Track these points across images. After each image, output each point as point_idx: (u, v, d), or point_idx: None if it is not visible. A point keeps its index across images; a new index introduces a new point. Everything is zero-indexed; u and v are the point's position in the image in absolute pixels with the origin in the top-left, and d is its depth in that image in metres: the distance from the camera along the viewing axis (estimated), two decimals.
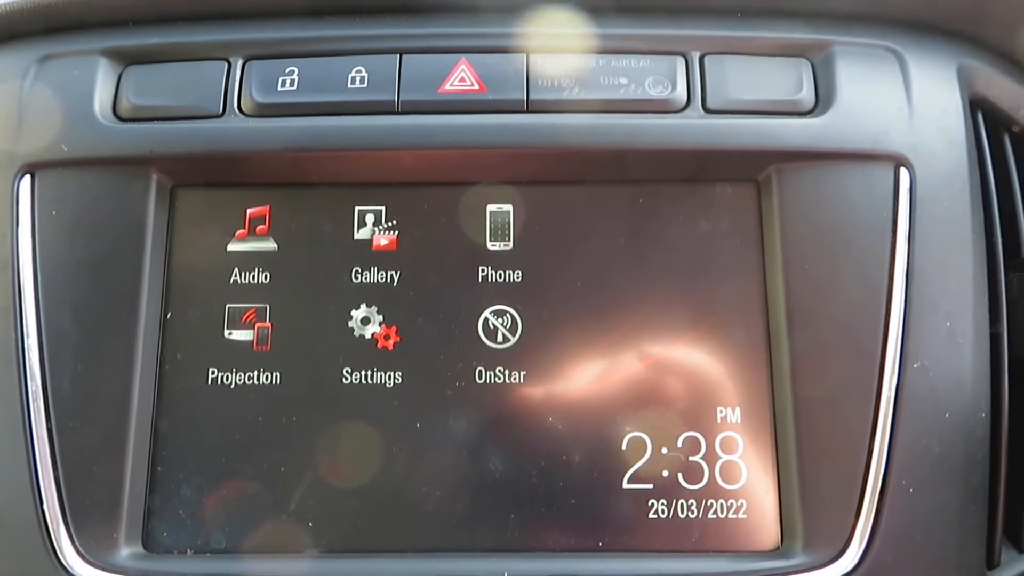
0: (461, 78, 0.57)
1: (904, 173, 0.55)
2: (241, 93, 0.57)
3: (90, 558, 0.51)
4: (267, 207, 0.57)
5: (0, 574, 0.51)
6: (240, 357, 0.55)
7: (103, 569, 0.51)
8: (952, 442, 0.52)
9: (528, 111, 0.56)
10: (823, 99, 0.57)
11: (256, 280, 0.56)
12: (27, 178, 0.56)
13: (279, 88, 0.57)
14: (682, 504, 0.54)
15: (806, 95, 0.57)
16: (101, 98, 0.58)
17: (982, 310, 0.55)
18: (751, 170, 0.56)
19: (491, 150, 0.56)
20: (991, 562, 0.55)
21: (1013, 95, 0.62)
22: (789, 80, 0.58)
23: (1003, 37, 0.62)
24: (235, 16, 0.61)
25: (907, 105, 0.57)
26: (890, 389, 0.52)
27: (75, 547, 0.51)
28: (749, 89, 0.58)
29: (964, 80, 0.60)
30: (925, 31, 0.61)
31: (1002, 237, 0.59)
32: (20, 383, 0.53)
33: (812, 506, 0.52)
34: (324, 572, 0.52)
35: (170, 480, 0.54)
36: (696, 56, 0.58)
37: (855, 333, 0.53)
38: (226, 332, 0.56)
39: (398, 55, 0.58)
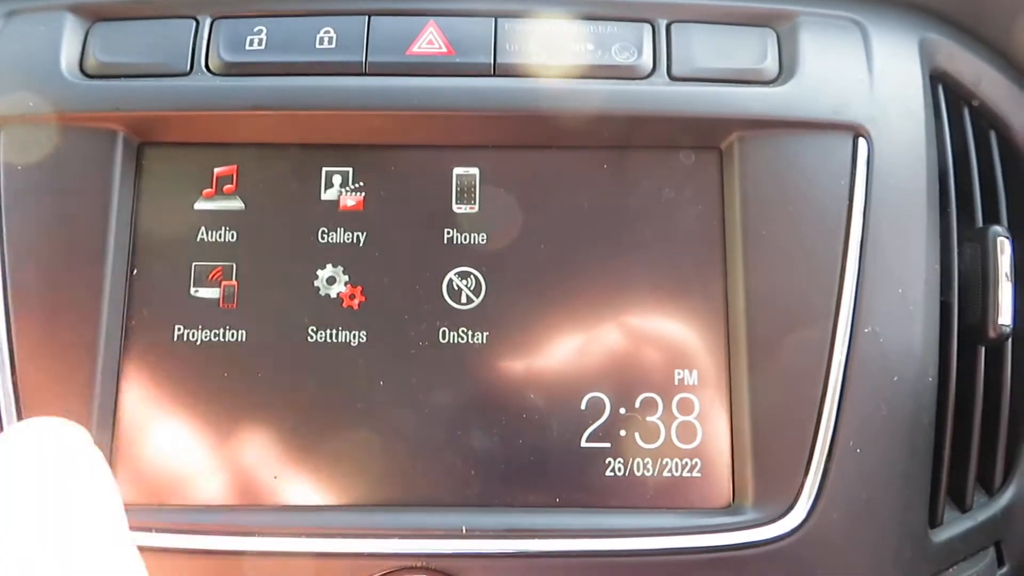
0: (429, 40, 0.58)
1: (862, 143, 0.57)
2: (209, 51, 0.58)
3: None
4: (234, 166, 0.58)
5: None
6: (206, 315, 0.56)
7: None
8: (900, 406, 0.54)
9: (495, 75, 0.57)
10: (786, 69, 0.58)
11: (223, 239, 0.57)
12: None
13: (247, 47, 0.57)
14: (638, 463, 0.55)
15: (770, 64, 0.58)
16: (68, 55, 0.57)
17: (934, 279, 0.56)
18: (714, 138, 0.57)
19: (457, 113, 0.56)
20: (934, 521, 0.57)
21: (974, 70, 0.63)
22: (754, 49, 0.59)
23: (968, 12, 0.64)
24: None
25: (868, 76, 0.58)
26: (841, 353, 0.54)
27: None
28: (714, 57, 0.58)
29: (925, 54, 0.61)
30: (889, 4, 0.62)
31: (957, 208, 0.60)
32: None
33: (763, 465, 0.53)
34: (286, 523, 0.53)
35: (135, 434, 0.55)
36: (663, 23, 0.59)
37: (809, 298, 0.55)
38: (192, 290, 0.56)
39: (367, 16, 0.58)
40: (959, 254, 0.59)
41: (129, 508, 0.52)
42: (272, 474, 0.54)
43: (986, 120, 0.64)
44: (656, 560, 0.52)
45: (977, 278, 0.58)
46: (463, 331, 0.56)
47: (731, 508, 0.54)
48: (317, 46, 0.57)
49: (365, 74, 0.57)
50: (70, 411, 0.53)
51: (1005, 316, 0.57)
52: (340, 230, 0.57)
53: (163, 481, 0.54)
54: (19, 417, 0.52)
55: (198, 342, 0.56)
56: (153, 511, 0.53)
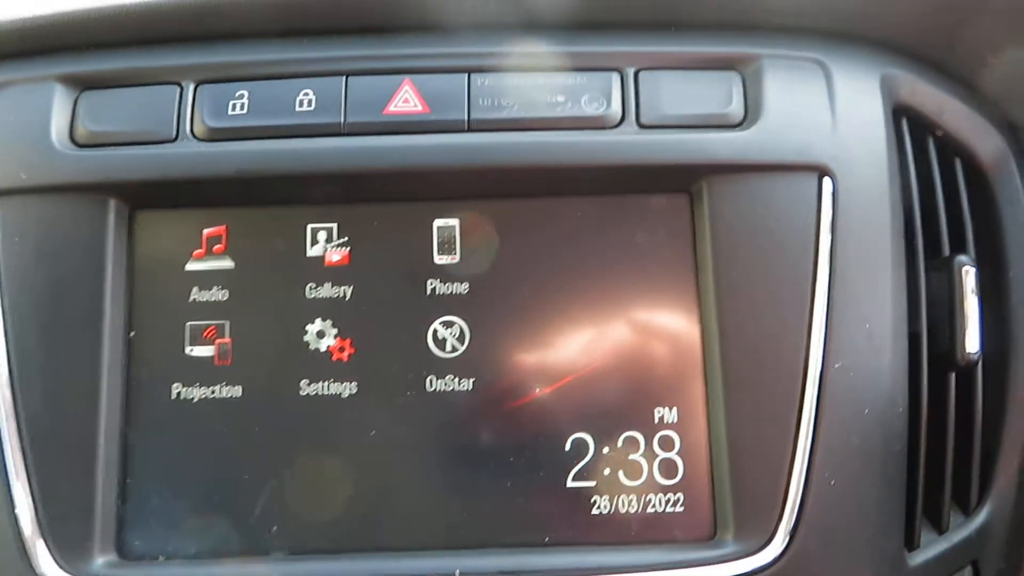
0: (405, 99, 0.60)
1: (827, 182, 0.59)
2: (193, 117, 0.60)
3: (66, 566, 0.54)
4: (223, 227, 0.60)
5: None
6: (202, 372, 0.58)
7: None
8: (871, 436, 0.56)
9: (469, 130, 0.59)
10: (751, 112, 0.60)
11: (215, 298, 0.59)
12: None
13: (230, 112, 0.59)
14: (623, 499, 0.57)
15: (735, 108, 0.60)
16: (58, 125, 0.60)
17: (900, 311, 0.58)
18: (684, 182, 0.59)
19: (434, 169, 0.58)
20: (911, 544, 0.59)
21: (936, 101, 0.65)
22: (719, 94, 0.61)
23: (929, 45, 0.65)
24: (187, 39, 0.62)
25: (831, 116, 0.60)
26: (813, 388, 0.56)
27: (51, 556, 0.54)
28: (681, 103, 0.60)
29: (887, 89, 0.63)
30: (850, 41, 0.64)
31: (925, 238, 0.62)
32: None
33: (742, 499, 0.55)
34: (289, 572, 0.55)
35: (141, 491, 0.57)
36: (631, 72, 0.61)
37: (780, 336, 0.57)
38: (188, 349, 0.59)
39: (344, 77, 0.60)
40: (926, 284, 0.61)
41: (139, 563, 0.55)
42: (272, 525, 0.57)
43: (951, 149, 0.66)
44: None
45: (944, 307, 0.60)
46: (449, 379, 0.58)
47: (713, 541, 0.56)
48: (297, 108, 0.59)
49: (344, 134, 0.59)
50: (77, 470, 0.55)
51: (972, 344, 0.59)
52: (327, 285, 0.59)
53: (168, 536, 0.56)
54: (30, 485, 0.54)
55: (195, 400, 0.58)
56: (159, 567, 0.55)
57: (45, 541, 0.54)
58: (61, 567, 0.54)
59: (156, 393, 0.58)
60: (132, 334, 0.58)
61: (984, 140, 0.66)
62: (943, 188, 0.64)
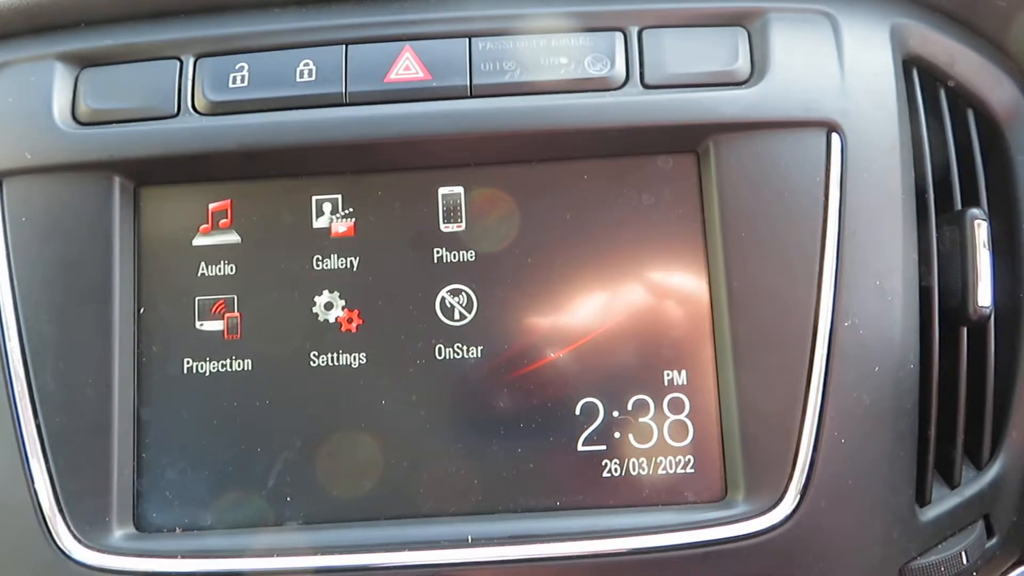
0: (406, 67, 0.59)
1: (835, 138, 0.58)
2: (194, 91, 0.59)
3: (85, 541, 0.55)
4: (228, 201, 0.60)
5: (1, 561, 0.55)
6: (212, 346, 0.59)
7: (98, 550, 0.55)
8: (881, 394, 0.56)
9: (472, 96, 0.58)
10: (758, 68, 0.59)
11: (223, 272, 0.59)
12: None
13: (230, 85, 0.59)
14: (633, 463, 0.57)
15: (741, 65, 0.59)
16: (60, 103, 0.59)
17: (911, 266, 0.58)
18: (690, 142, 0.59)
19: (437, 136, 0.58)
20: (923, 500, 0.59)
21: (947, 51, 0.64)
22: (725, 50, 0.60)
23: None
24: (185, 12, 0.62)
25: (839, 70, 0.59)
26: (823, 347, 0.56)
27: (71, 531, 0.55)
28: (686, 62, 0.59)
29: (897, 39, 0.62)
30: None
31: (937, 191, 0.61)
32: (6, 383, 0.56)
33: (752, 459, 0.56)
34: (301, 542, 0.56)
35: (156, 464, 0.58)
36: (635, 31, 0.60)
37: (790, 296, 0.56)
38: (197, 323, 0.59)
39: (344, 46, 0.60)
40: (938, 238, 0.60)
41: (156, 535, 0.56)
42: (286, 495, 0.57)
43: (963, 99, 0.65)
44: (655, 557, 0.54)
45: (956, 261, 0.59)
46: (458, 347, 0.58)
47: (724, 502, 0.56)
48: (298, 79, 0.59)
49: (346, 104, 0.58)
50: (93, 446, 0.56)
51: (984, 298, 0.58)
52: (334, 256, 0.59)
53: (184, 508, 0.57)
54: (47, 463, 0.55)
55: (207, 373, 0.58)
56: (176, 538, 0.56)
57: (64, 517, 0.55)
58: (80, 541, 0.55)
59: (168, 368, 0.58)
60: (142, 310, 0.59)
61: (997, 89, 0.65)
62: (956, 140, 0.63)
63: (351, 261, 0.59)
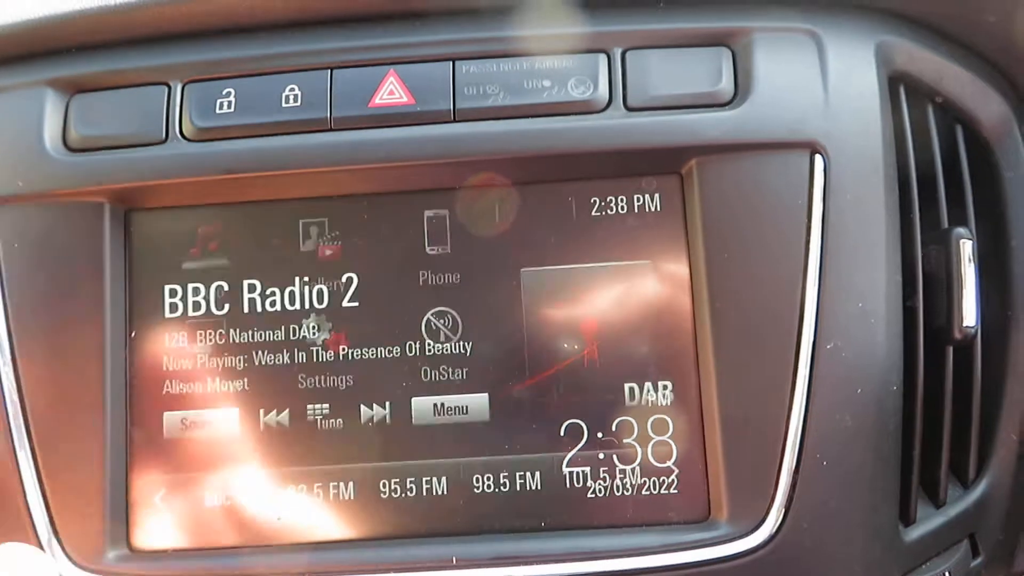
0: (390, 91, 0.60)
1: (819, 159, 0.58)
2: (182, 118, 0.60)
3: (78, 561, 0.56)
4: (217, 225, 0.61)
5: None
6: (202, 371, 0.59)
7: (91, 571, 0.56)
8: (864, 416, 0.56)
9: (456, 120, 0.59)
10: (742, 89, 0.59)
11: (212, 296, 0.60)
12: None
13: (217, 111, 0.60)
14: (617, 484, 0.58)
15: (725, 86, 0.59)
16: (51, 130, 0.60)
17: (895, 287, 0.58)
18: (673, 164, 0.59)
19: (421, 162, 0.58)
20: (907, 519, 0.59)
21: (935, 67, 0.64)
22: (709, 71, 0.60)
23: (926, 9, 0.63)
24: (173, 37, 0.63)
25: (823, 90, 0.59)
26: (805, 370, 0.56)
27: (64, 552, 0.57)
28: (669, 83, 0.59)
29: (883, 57, 0.61)
30: (844, 11, 0.62)
31: (922, 209, 0.61)
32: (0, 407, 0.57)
33: (735, 481, 0.56)
34: (289, 563, 0.57)
35: (148, 485, 0.59)
36: (618, 52, 0.60)
37: (772, 318, 0.56)
38: (188, 347, 0.60)
39: (329, 70, 0.60)
40: (924, 257, 0.60)
41: (148, 556, 0.57)
42: (276, 516, 0.58)
43: (951, 116, 0.64)
44: None
45: (942, 281, 0.59)
46: (443, 368, 0.59)
47: (707, 523, 0.57)
48: (283, 104, 0.60)
49: (331, 129, 0.59)
50: (86, 467, 0.57)
51: (969, 318, 0.58)
52: (321, 279, 0.60)
53: (176, 528, 0.58)
54: (41, 486, 0.56)
55: (197, 396, 0.59)
56: (169, 559, 0.57)
57: (58, 538, 0.57)
58: (74, 562, 0.56)
59: (158, 390, 0.59)
60: (133, 334, 0.60)
61: (986, 105, 0.65)
62: (943, 157, 0.62)
63: (338, 284, 0.60)
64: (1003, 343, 0.62)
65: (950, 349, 0.60)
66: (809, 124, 0.58)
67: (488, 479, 0.58)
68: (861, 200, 0.58)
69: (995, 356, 0.62)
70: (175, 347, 0.60)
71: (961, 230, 0.59)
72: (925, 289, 0.60)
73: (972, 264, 0.59)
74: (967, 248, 0.59)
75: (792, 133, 0.58)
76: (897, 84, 0.62)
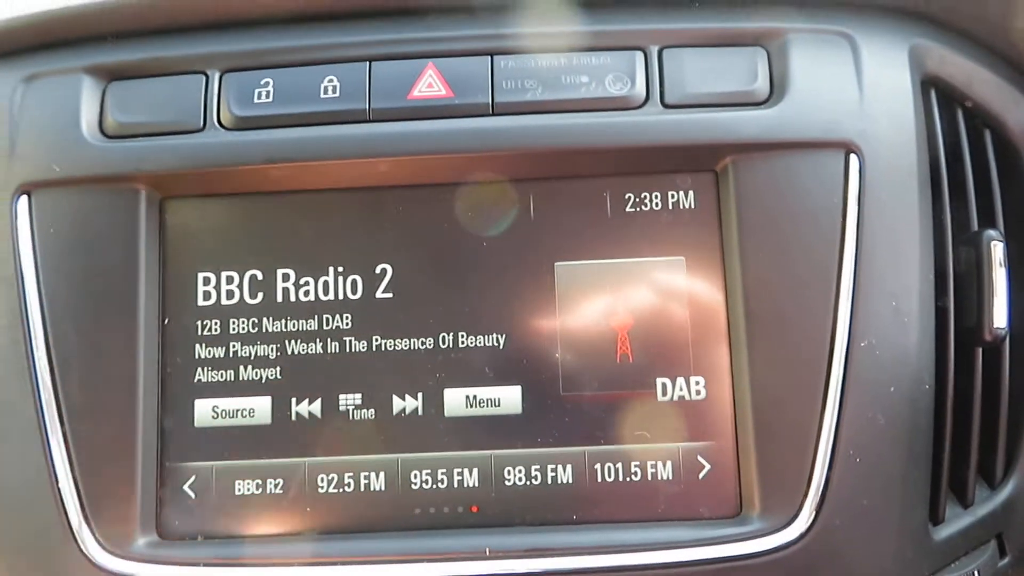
0: (429, 84, 0.60)
1: (854, 159, 0.58)
2: (220, 106, 0.60)
3: (109, 547, 0.56)
4: (253, 214, 0.61)
5: (29, 567, 0.56)
6: (235, 360, 0.60)
7: (122, 557, 0.56)
8: (897, 413, 0.56)
9: (494, 114, 0.59)
10: (777, 88, 0.60)
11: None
12: (24, 198, 0.59)
13: (255, 100, 0.60)
14: (649, 478, 0.58)
15: (760, 85, 0.60)
16: (88, 116, 0.60)
17: (928, 287, 0.58)
18: (709, 161, 0.59)
19: (460, 155, 0.58)
20: (936, 519, 0.59)
21: (966, 72, 0.64)
22: (745, 71, 0.60)
23: (958, 13, 0.64)
24: (212, 26, 0.63)
25: (858, 91, 0.60)
26: (839, 367, 0.56)
27: (95, 538, 0.56)
28: (706, 81, 0.60)
29: (916, 60, 0.62)
30: (877, 12, 0.63)
31: (952, 211, 0.62)
32: (33, 392, 0.57)
33: (768, 477, 0.56)
34: (320, 552, 0.56)
35: (178, 473, 0.59)
36: (655, 50, 0.60)
37: (806, 315, 0.57)
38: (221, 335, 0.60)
39: (368, 62, 0.60)
40: (954, 258, 0.61)
41: (179, 542, 0.57)
42: (305, 505, 0.58)
43: (980, 120, 0.65)
44: (669, 573, 0.55)
45: (972, 282, 0.60)
46: (476, 361, 0.59)
47: (738, 518, 0.57)
48: (322, 95, 0.60)
49: (369, 120, 0.59)
50: (117, 455, 0.57)
51: (1000, 320, 0.59)
52: (355, 269, 0.60)
53: (206, 516, 0.58)
54: (73, 472, 0.56)
55: (228, 383, 0.59)
56: (198, 546, 0.57)
57: (88, 523, 0.56)
58: (104, 548, 0.56)
59: (191, 378, 0.59)
60: (167, 321, 0.60)
61: (1015, 110, 0.65)
62: (973, 160, 0.63)
63: (371, 275, 0.60)
64: None
65: (979, 350, 0.61)
66: (844, 124, 0.59)
67: (520, 472, 0.58)
68: (895, 200, 0.58)
69: (1022, 359, 0.63)
70: (208, 335, 0.60)
71: (992, 232, 0.60)
72: (956, 291, 0.60)
73: (1003, 266, 0.59)
74: (998, 250, 0.59)
75: (827, 133, 0.58)
76: (929, 87, 0.63)
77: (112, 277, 0.59)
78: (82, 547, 0.56)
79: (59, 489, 0.57)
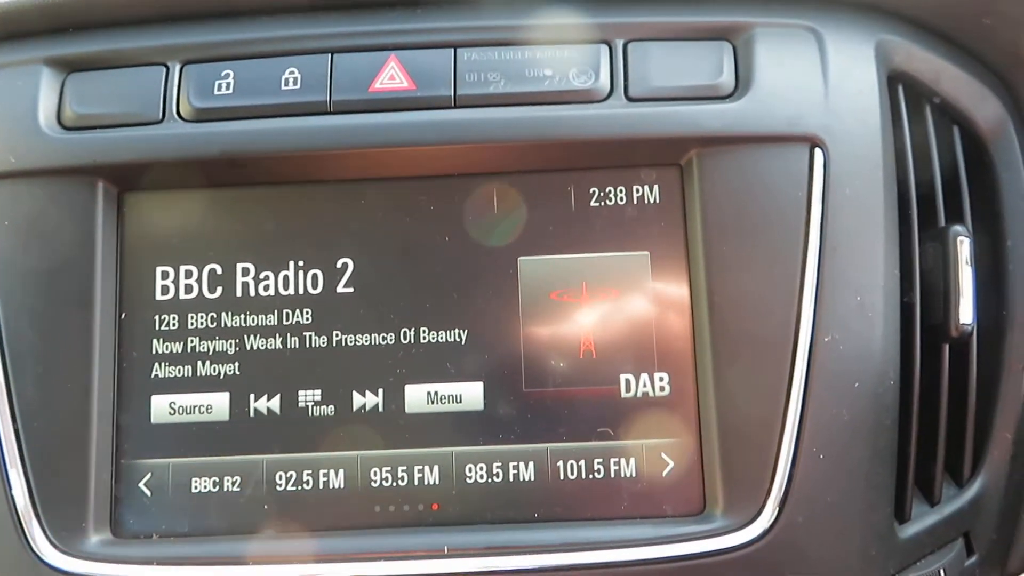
0: (391, 76, 0.59)
1: (818, 153, 0.58)
2: (179, 98, 0.59)
3: (61, 546, 0.55)
4: (212, 207, 0.60)
5: None
6: (192, 355, 0.59)
7: (74, 556, 0.55)
8: (861, 410, 0.56)
9: (456, 107, 0.58)
10: (742, 82, 0.59)
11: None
12: None
13: (215, 92, 0.59)
14: (612, 476, 0.57)
15: (726, 79, 0.59)
16: (45, 108, 0.60)
17: (893, 283, 0.58)
18: (673, 155, 0.59)
19: (421, 147, 0.58)
20: (902, 517, 0.59)
21: (933, 68, 0.64)
22: (710, 64, 0.60)
23: (926, 9, 0.64)
24: (172, 18, 0.62)
25: (823, 86, 0.59)
26: (803, 362, 0.55)
27: (46, 536, 0.55)
28: (671, 75, 0.59)
29: (882, 55, 0.62)
30: (844, 8, 0.62)
31: (922, 207, 0.61)
32: None
33: (731, 474, 0.55)
34: (276, 551, 0.55)
35: (134, 470, 0.57)
36: (620, 44, 0.60)
37: (770, 310, 0.56)
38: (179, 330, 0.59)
39: (329, 54, 0.60)
40: (921, 254, 0.60)
41: (132, 541, 0.55)
42: (262, 503, 0.57)
43: (948, 116, 0.65)
44: (632, 570, 0.54)
45: (939, 278, 0.59)
46: (438, 357, 0.58)
47: (702, 516, 0.56)
48: (283, 87, 0.59)
49: (330, 112, 0.58)
50: (71, 451, 0.56)
51: (966, 316, 0.58)
52: (315, 264, 0.60)
53: (161, 514, 0.57)
54: (24, 468, 0.55)
55: (186, 379, 0.58)
56: (153, 544, 0.56)
57: (40, 521, 0.55)
58: (56, 546, 0.55)
59: (147, 374, 0.58)
60: (123, 316, 0.59)
61: (983, 106, 0.65)
62: (940, 156, 0.63)
63: (332, 269, 0.59)
64: (999, 342, 0.62)
65: (946, 347, 0.60)
66: (809, 118, 0.58)
67: (481, 469, 0.57)
68: (860, 195, 0.58)
69: (991, 355, 0.62)
70: (166, 330, 0.59)
71: (958, 228, 0.59)
72: (922, 286, 0.60)
73: (969, 262, 0.59)
74: (964, 246, 0.59)
75: (792, 127, 0.58)
76: (896, 83, 0.63)
77: (68, 271, 0.58)
78: (32, 545, 0.55)
79: (9, 485, 0.55)
